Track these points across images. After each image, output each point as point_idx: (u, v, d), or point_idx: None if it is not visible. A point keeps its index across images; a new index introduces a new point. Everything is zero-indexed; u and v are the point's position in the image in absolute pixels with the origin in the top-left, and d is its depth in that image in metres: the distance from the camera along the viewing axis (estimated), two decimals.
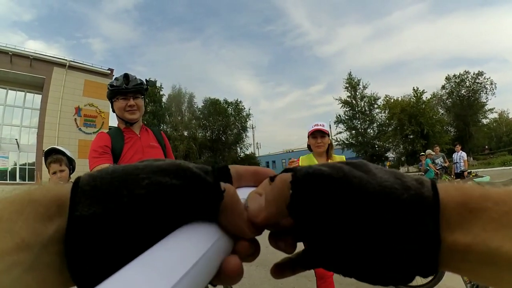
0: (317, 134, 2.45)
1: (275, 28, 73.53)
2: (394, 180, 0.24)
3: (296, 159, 2.66)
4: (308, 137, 2.54)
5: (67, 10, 54.95)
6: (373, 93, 33.43)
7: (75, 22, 58.20)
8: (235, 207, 0.24)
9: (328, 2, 74.55)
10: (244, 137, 40.11)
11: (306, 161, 2.51)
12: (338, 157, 2.48)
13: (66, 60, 24.22)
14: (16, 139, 22.61)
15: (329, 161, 2.07)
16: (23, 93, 23.70)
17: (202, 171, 0.24)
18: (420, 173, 9.38)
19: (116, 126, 1.90)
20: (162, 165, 0.24)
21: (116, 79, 1.78)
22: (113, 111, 1.86)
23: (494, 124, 42.50)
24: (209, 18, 76.36)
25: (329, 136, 2.50)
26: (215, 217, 0.24)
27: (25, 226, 0.20)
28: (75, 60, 24.97)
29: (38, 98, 23.68)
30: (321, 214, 0.23)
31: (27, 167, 23.01)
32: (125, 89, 1.72)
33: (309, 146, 2.57)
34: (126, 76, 1.75)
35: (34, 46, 57.11)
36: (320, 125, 2.47)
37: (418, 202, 0.22)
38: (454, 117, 34.81)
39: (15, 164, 22.74)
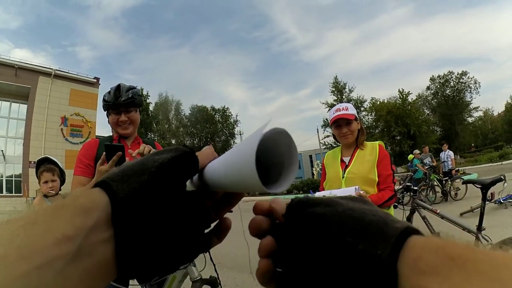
0: (341, 122, 1.95)
1: (263, 34, 73.99)
2: (369, 209, 0.26)
3: (319, 162, 2.33)
4: (331, 126, 2.07)
5: (54, 17, 54.25)
6: (360, 96, 34.03)
7: (62, 30, 57.47)
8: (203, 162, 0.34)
9: (315, 7, 75.30)
10: (232, 143, 40.24)
11: (331, 157, 2.11)
12: (371, 144, 1.96)
13: (51, 69, 23.87)
14: (2, 151, 22.05)
15: (359, 150, 1.93)
16: (8, 103, 23.20)
17: (183, 147, 0.34)
18: (409, 173, 9.51)
19: (110, 135, 1.87)
20: (157, 150, 0.34)
21: (109, 92, 1.74)
22: (109, 123, 1.81)
23: (480, 122, 43.58)
24: (197, 25, 76.28)
25: (357, 119, 1.97)
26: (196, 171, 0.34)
27: (64, 223, 0.23)
28: (60, 69, 24.64)
29: (24, 108, 23.22)
30: (291, 244, 0.27)
31: (13, 179, 22.46)
32: (116, 104, 1.68)
33: (334, 136, 2.10)
34: (117, 89, 1.71)
35: (20, 55, 55.95)
36: (343, 109, 1.96)
37: (383, 226, 0.23)
38: (439, 117, 35.57)
39: (2, 176, 22.16)
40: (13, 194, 21.51)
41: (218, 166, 0.33)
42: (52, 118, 23.03)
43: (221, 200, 0.37)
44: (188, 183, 0.34)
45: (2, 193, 21.48)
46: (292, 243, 0.27)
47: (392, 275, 0.21)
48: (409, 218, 2.91)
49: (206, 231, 0.34)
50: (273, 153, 0.32)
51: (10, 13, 50.60)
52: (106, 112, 1.80)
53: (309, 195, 0.33)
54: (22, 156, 22.05)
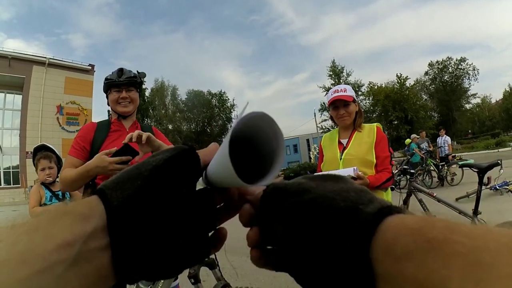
0: (338, 104, 1.93)
1: (259, 18, 73.12)
2: (342, 192, 0.25)
3: (316, 146, 2.29)
4: (329, 107, 2.03)
5: (47, 7, 53.45)
6: (357, 80, 33.95)
7: (55, 18, 56.78)
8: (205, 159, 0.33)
9: None
10: (229, 127, 40.05)
11: (328, 139, 2.09)
12: (368, 126, 1.95)
13: (45, 58, 23.55)
14: None
15: (357, 132, 1.91)
16: (3, 94, 22.96)
17: (182, 145, 0.33)
18: (407, 157, 9.54)
19: (107, 119, 1.87)
20: (153, 154, 0.33)
21: (111, 73, 1.79)
22: (108, 105, 1.84)
23: (477, 109, 43.65)
24: (192, 10, 75.28)
25: (355, 101, 1.96)
26: (199, 172, 0.32)
27: (64, 229, 0.24)
28: (55, 58, 24.32)
29: (18, 98, 23.00)
30: (274, 223, 0.28)
31: (11, 170, 22.42)
32: (117, 82, 1.73)
33: (332, 118, 2.06)
34: (120, 70, 1.77)
35: (13, 45, 55.29)
36: (341, 90, 1.94)
37: (353, 213, 0.23)
38: (437, 102, 35.58)
39: None
40: (12, 185, 21.51)
41: (212, 161, 0.32)
42: (48, 108, 22.85)
43: (222, 207, 0.36)
44: (200, 180, 0.33)
45: (0, 185, 21.50)
46: (270, 233, 0.29)
47: (365, 263, 0.20)
48: (406, 201, 2.94)
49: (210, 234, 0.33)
50: (262, 141, 0.31)
51: (2, 5, 49.63)
52: (106, 93, 1.81)
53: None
54: (19, 147, 21.96)
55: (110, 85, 1.76)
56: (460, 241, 0.17)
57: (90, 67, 26.17)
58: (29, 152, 20.51)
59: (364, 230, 0.21)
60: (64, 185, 1.61)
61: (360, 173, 1.67)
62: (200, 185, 0.33)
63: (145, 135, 1.46)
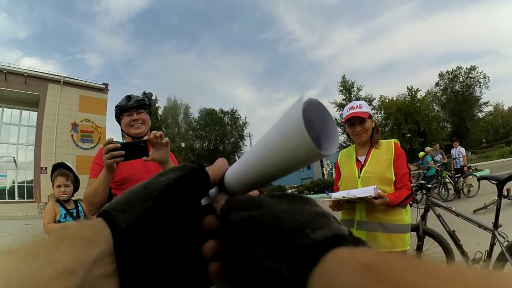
0: (354, 121, 1.90)
1: (269, 35, 74.14)
2: (296, 212, 0.23)
3: (329, 162, 2.23)
4: (345, 124, 2.01)
5: (61, 26, 55.38)
6: (368, 94, 33.65)
7: (70, 38, 58.63)
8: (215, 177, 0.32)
9: (320, 6, 75.35)
10: (242, 145, 40.18)
11: (345, 156, 2.03)
12: (386, 142, 1.89)
13: (60, 76, 24.27)
14: (14, 157, 22.46)
15: (374, 149, 1.88)
16: (19, 110, 23.64)
17: (190, 163, 0.31)
18: (423, 171, 9.37)
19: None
20: (160, 172, 0.31)
21: (120, 101, 1.87)
22: (122, 131, 1.89)
23: (490, 117, 42.79)
24: (203, 29, 76.81)
25: (371, 117, 1.93)
26: (208, 189, 0.31)
27: (66, 255, 0.22)
28: (69, 76, 25.04)
29: (34, 115, 23.64)
30: (222, 236, 0.27)
31: (25, 185, 22.83)
32: (127, 106, 1.80)
33: (348, 134, 2.02)
34: (128, 96, 1.85)
35: (29, 63, 57.19)
36: (357, 107, 1.91)
37: (295, 236, 0.21)
38: (449, 113, 35.06)
39: (13, 182, 22.55)
40: (25, 199, 21.86)
41: (247, 162, 0.30)
42: (62, 125, 23.39)
43: None
44: (204, 199, 0.32)
45: (14, 198, 21.84)
46: (224, 247, 0.27)
47: None
48: (424, 216, 2.86)
49: None
50: (311, 128, 0.28)
51: (17, 23, 51.87)
52: (118, 120, 1.88)
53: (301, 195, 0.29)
54: (34, 162, 22.42)
55: (120, 111, 1.82)
56: (425, 284, 0.14)
57: (104, 86, 26.82)
58: (43, 168, 20.94)
59: (304, 258, 0.19)
60: (87, 201, 1.63)
61: (380, 191, 1.63)
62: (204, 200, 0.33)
63: (166, 139, 1.58)
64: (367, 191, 1.63)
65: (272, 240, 0.21)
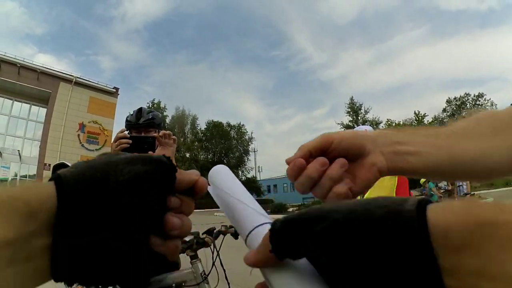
0: None
1: (280, 53, 74.49)
2: (370, 202, 0.22)
3: None
4: None
5: (79, 27, 56.46)
6: (375, 117, 33.76)
7: (85, 40, 59.65)
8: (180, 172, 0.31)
9: (331, 27, 75.89)
10: (246, 160, 40.15)
11: None
12: None
13: (73, 76, 24.69)
14: (19, 150, 22.65)
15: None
16: (29, 105, 23.97)
17: (159, 157, 0.30)
18: (425, 197, 9.32)
19: None
20: (129, 157, 0.29)
21: (131, 113, 1.90)
22: None
23: None
24: (216, 42, 77.51)
25: None
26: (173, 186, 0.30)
27: (5, 224, 0.21)
28: (81, 77, 25.44)
29: (43, 111, 23.95)
30: (302, 250, 0.24)
31: (27, 179, 22.97)
32: (136, 124, 1.82)
33: None
34: (139, 110, 1.87)
35: (44, 60, 57.99)
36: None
37: (395, 216, 0.20)
38: None
39: (16, 175, 22.67)
40: None
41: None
42: (70, 124, 23.65)
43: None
44: None
45: None
46: (324, 260, 0.23)
47: (432, 262, 0.18)
48: None
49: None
50: None
51: (36, 20, 52.92)
52: (127, 132, 1.93)
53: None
54: (38, 157, 22.60)
55: (130, 127, 1.86)
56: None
57: (114, 90, 27.18)
58: (47, 164, 21.09)
59: (417, 228, 0.19)
60: None
61: None
62: None
63: (173, 137, 1.66)
64: None
65: (379, 229, 0.20)
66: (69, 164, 2.75)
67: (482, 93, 34.00)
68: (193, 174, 0.33)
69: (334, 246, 0.21)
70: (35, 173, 22.49)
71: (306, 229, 0.23)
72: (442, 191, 8.68)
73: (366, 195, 1.83)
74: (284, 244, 0.24)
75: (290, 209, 19.55)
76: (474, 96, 34.29)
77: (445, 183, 9.05)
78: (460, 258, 0.17)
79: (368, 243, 0.20)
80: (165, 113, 36.03)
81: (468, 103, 34.65)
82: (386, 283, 0.19)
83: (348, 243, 0.21)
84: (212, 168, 0.44)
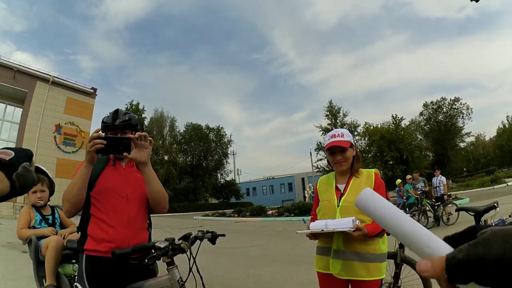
0: (335, 149, 1.90)
1: (261, 56, 75.38)
2: None
3: (311, 185, 2.23)
4: (326, 152, 2.00)
5: (59, 25, 54.94)
6: (353, 121, 34.44)
7: (65, 38, 58.19)
8: None
9: (314, 32, 77.40)
10: (225, 163, 40.17)
11: (324, 183, 2.03)
12: (366, 172, 1.92)
13: (50, 75, 23.86)
14: None
15: (354, 178, 1.89)
16: (4, 105, 22.96)
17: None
18: (403, 200, 9.56)
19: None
20: None
21: (108, 115, 1.86)
22: None
23: (472, 147, 44.28)
24: (198, 44, 77.41)
25: (352, 146, 1.94)
26: None
27: None
28: (59, 76, 24.62)
29: (18, 111, 23.01)
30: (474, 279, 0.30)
31: None
32: (113, 126, 1.79)
33: (329, 162, 2.02)
34: (116, 112, 1.84)
35: (21, 58, 56.10)
36: (338, 135, 1.92)
37: None
38: (432, 142, 36.00)
39: None
40: None
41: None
42: (46, 125, 22.83)
43: None
44: None
45: None
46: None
47: None
48: (402, 244, 2.89)
49: None
50: None
51: (15, 16, 51.11)
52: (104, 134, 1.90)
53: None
54: None
55: (106, 128, 1.83)
56: None
57: (92, 90, 26.49)
58: None
59: None
60: (64, 200, 1.62)
61: (358, 223, 1.64)
62: None
63: (149, 139, 1.68)
64: (345, 223, 1.64)
65: None
66: (43, 168, 2.64)
67: (458, 98, 35.26)
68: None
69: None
70: None
71: (482, 275, 0.29)
72: (419, 192, 8.91)
73: (344, 198, 1.85)
74: (455, 277, 0.32)
75: (269, 212, 19.67)
76: (450, 100, 35.51)
77: (422, 184, 9.31)
78: None
79: None
80: (143, 115, 35.42)
81: (445, 107, 35.83)
82: None
83: None
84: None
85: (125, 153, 1.60)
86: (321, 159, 33.61)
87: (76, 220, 1.98)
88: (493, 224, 5.29)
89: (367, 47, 72.04)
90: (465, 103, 34.74)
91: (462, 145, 37.70)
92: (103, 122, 1.84)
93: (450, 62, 67.34)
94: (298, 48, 77.05)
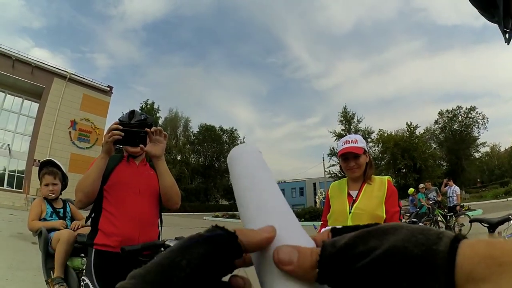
0: (348, 155, 1.88)
1: (276, 60, 74.59)
2: (410, 238, 0.24)
3: (322, 190, 2.16)
4: (339, 157, 1.99)
5: (76, 23, 56.16)
6: (368, 127, 34.07)
7: (82, 36, 59.31)
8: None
9: (328, 37, 76.48)
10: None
11: (337, 189, 2.01)
12: (379, 179, 1.88)
13: (67, 72, 24.46)
14: (9, 145, 22.28)
15: (367, 185, 1.87)
16: (21, 99, 23.64)
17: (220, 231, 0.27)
18: (416, 209, 9.40)
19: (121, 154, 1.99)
20: (184, 243, 0.26)
21: (123, 114, 1.91)
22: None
23: (486, 158, 43.11)
24: (213, 46, 77.34)
25: (365, 153, 1.92)
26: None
27: None
28: (76, 74, 25.23)
29: (35, 106, 23.65)
30: (345, 282, 0.25)
31: (16, 174, 22.55)
32: (129, 124, 1.82)
33: (341, 167, 2.01)
34: (132, 112, 1.89)
35: (39, 54, 57.46)
36: (352, 141, 1.90)
37: (430, 256, 0.22)
38: (446, 151, 35.29)
39: (4, 170, 22.26)
40: (14, 189, 21.52)
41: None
42: (62, 120, 23.38)
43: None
44: None
45: (3, 186, 21.48)
46: (342, 282, 0.25)
47: (449, 273, 0.21)
48: None
49: None
50: None
51: (34, 13, 52.60)
52: None
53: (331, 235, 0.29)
54: (28, 153, 22.26)
55: (122, 127, 1.85)
56: None
57: (108, 88, 27.03)
58: (37, 160, 20.76)
59: (446, 271, 0.22)
60: (77, 191, 1.65)
61: None
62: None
63: (164, 134, 1.74)
64: None
65: (413, 268, 0.22)
66: (57, 163, 2.68)
67: (474, 107, 34.56)
68: (264, 232, 0.27)
69: (372, 283, 0.24)
70: (24, 168, 22.11)
71: (350, 265, 0.24)
72: (431, 202, 8.73)
73: (356, 204, 1.81)
74: (328, 274, 0.25)
75: None
76: (466, 109, 34.82)
77: (434, 193, 9.12)
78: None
79: (402, 279, 0.22)
80: (158, 114, 35.81)
81: (460, 116, 35.15)
82: None
83: (384, 280, 0.23)
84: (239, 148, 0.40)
85: (141, 145, 1.64)
86: (333, 165, 33.25)
87: (86, 215, 2.01)
88: (506, 237, 5.18)
89: (382, 53, 70.97)
90: (481, 112, 34.06)
91: (476, 155, 36.85)
92: (119, 120, 1.87)
93: (465, 70, 65.90)
94: (313, 52, 76.60)
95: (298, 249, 0.26)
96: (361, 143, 1.91)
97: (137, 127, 1.73)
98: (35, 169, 20.28)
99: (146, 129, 1.67)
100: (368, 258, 0.24)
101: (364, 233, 0.26)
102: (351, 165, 1.88)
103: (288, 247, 0.26)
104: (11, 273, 3.84)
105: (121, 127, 1.61)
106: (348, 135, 1.97)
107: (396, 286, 0.23)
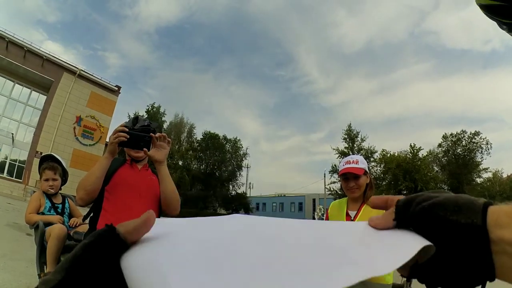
0: (349, 176, 1.93)
1: (285, 73, 75.01)
2: (458, 194, 0.33)
3: (321, 207, 2.21)
4: (339, 177, 2.04)
5: (91, 20, 57.06)
6: (371, 146, 33.94)
7: (96, 33, 60.20)
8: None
9: (338, 54, 77.15)
10: (238, 175, 39.85)
11: (336, 208, 2.07)
12: None
13: (77, 68, 24.72)
14: (12, 134, 22.38)
15: (366, 206, 1.90)
16: (29, 90, 23.83)
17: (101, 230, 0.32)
18: None
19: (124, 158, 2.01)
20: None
21: (127, 121, 1.94)
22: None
23: (488, 183, 42.70)
24: (224, 55, 78.36)
25: (366, 173, 1.96)
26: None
27: None
28: (86, 70, 25.47)
29: (42, 98, 23.84)
30: (409, 223, 0.34)
31: (17, 163, 22.59)
32: (132, 129, 1.85)
33: (342, 187, 2.08)
34: (135, 118, 1.93)
35: (51, 48, 58.06)
36: (353, 162, 1.95)
37: (472, 205, 0.31)
38: (448, 175, 35.04)
39: (6, 158, 22.29)
40: (13, 178, 21.51)
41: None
42: (68, 115, 23.52)
43: None
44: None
45: (3, 174, 21.47)
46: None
47: (484, 234, 0.29)
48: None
49: None
50: None
51: (50, 7, 53.50)
52: None
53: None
54: (31, 144, 22.34)
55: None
56: None
57: (116, 88, 27.24)
58: (39, 152, 20.84)
59: (482, 213, 0.30)
60: (79, 188, 1.67)
61: None
62: None
63: (168, 140, 1.77)
64: None
65: (460, 208, 0.31)
66: (58, 158, 2.68)
67: (478, 131, 34.34)
68: (140, 217, 0.34)
69: (426, 222, 0.32)
70: (26, 159, 22.17)
71: (415, 206, 0.33)
72: None
73: (359, 215, 1.81)
74: (401, 217, 0.34)
75: None
76: (470, 134, 34.61)
77: None
78: (503, 232, 0.28)
79: (454, 215, 0.31)
80: (163, 118, 35.88)
81: (464, 140, 34.98)
82: (452, 246, 0.30)
83: (440, 217, 0.31)
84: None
85: (144, 149, 1.67)
86: (334, 182, 33.09)
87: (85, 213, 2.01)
88: None
89: (391, 73, 71.37)
90: (485, 138, 33.85)
91: (478, 180, 36.51)
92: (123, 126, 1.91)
93: (472, 94, 65.88)
94: (322, 68, 77.12)
95: (381, 215, 0.36)
96: (362, 164, 1.95)
97: (141, 132, 1.76)
98: (36, 161, 20.29)
99: (151, 134, 1.69)
100: (430, 201, 0.33)
101: (425, 192, 0.36)
102: (351, 185, 1.92)
103: (374, 217, 0.36)
104: (3, 262, 3.82)
105: (127, 130, 1.64)
106: (350, 155, 1.99)
107: (449, 221, 0.30)
